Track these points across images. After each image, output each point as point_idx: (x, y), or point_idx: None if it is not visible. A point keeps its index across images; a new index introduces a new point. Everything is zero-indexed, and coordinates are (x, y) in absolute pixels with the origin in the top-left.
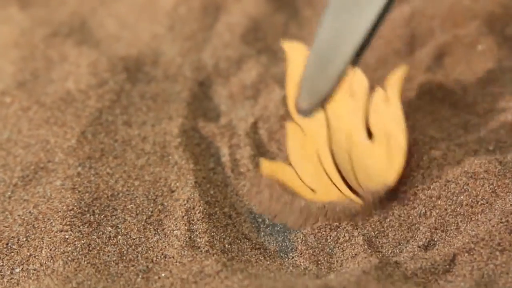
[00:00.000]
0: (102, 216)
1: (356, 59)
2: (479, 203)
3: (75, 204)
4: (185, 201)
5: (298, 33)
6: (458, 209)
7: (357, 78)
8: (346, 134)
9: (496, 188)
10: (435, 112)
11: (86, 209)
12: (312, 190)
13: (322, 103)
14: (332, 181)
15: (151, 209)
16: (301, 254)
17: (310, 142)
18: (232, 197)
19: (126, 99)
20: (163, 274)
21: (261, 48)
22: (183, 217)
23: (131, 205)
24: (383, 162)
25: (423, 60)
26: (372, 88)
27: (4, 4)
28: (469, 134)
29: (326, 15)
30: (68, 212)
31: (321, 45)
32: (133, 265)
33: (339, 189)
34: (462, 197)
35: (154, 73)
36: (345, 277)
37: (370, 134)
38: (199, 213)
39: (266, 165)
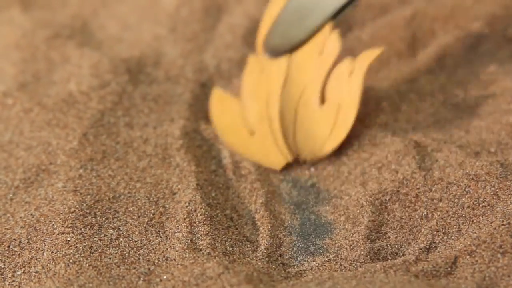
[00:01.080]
0: (103, 219)
1: (337, 15)
2: (480, 205)
3: (77, 206)
4: (187, 204)
5: None
6: (460, 211)
7: (332, 39)
8: (300, 89)
9: (497, 190)
10: (436, 113)
11: (88, 211)
12: (251, 131)
13: (290, 49)
14: (271, 129)
15: (152, 211)
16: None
17: (264, 82)
18: (233, 199)
19: (128, 100)
20: (164, 277)
21: None
22: (184, 219)
23: (133, 208)
24: (325, 130)
25: (425, 61)
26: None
27: (6, 6)
28: (471, 136)
29: None
30: (70, 215)
31: None
32: (134, 268)
33: (275, 140)
34: (463, 199)
35: (156, 75)
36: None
37: (322, 99)
38: (200, 215)
39: (217, 94)
